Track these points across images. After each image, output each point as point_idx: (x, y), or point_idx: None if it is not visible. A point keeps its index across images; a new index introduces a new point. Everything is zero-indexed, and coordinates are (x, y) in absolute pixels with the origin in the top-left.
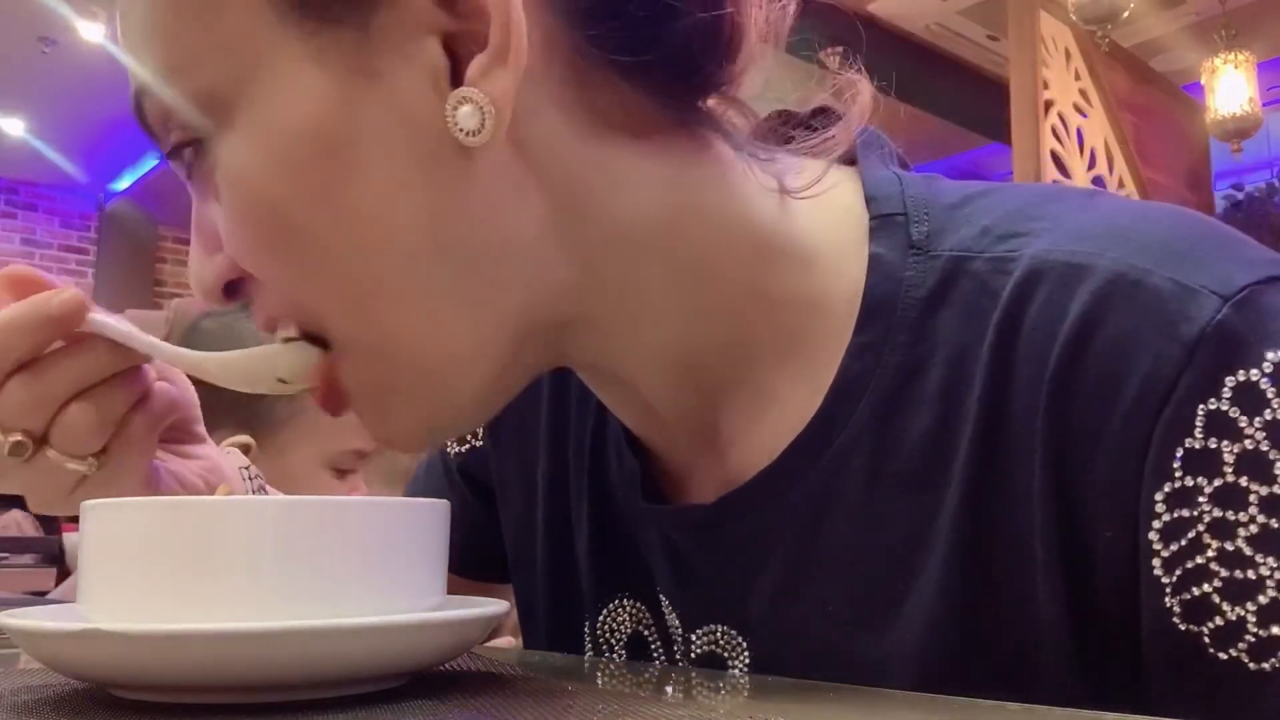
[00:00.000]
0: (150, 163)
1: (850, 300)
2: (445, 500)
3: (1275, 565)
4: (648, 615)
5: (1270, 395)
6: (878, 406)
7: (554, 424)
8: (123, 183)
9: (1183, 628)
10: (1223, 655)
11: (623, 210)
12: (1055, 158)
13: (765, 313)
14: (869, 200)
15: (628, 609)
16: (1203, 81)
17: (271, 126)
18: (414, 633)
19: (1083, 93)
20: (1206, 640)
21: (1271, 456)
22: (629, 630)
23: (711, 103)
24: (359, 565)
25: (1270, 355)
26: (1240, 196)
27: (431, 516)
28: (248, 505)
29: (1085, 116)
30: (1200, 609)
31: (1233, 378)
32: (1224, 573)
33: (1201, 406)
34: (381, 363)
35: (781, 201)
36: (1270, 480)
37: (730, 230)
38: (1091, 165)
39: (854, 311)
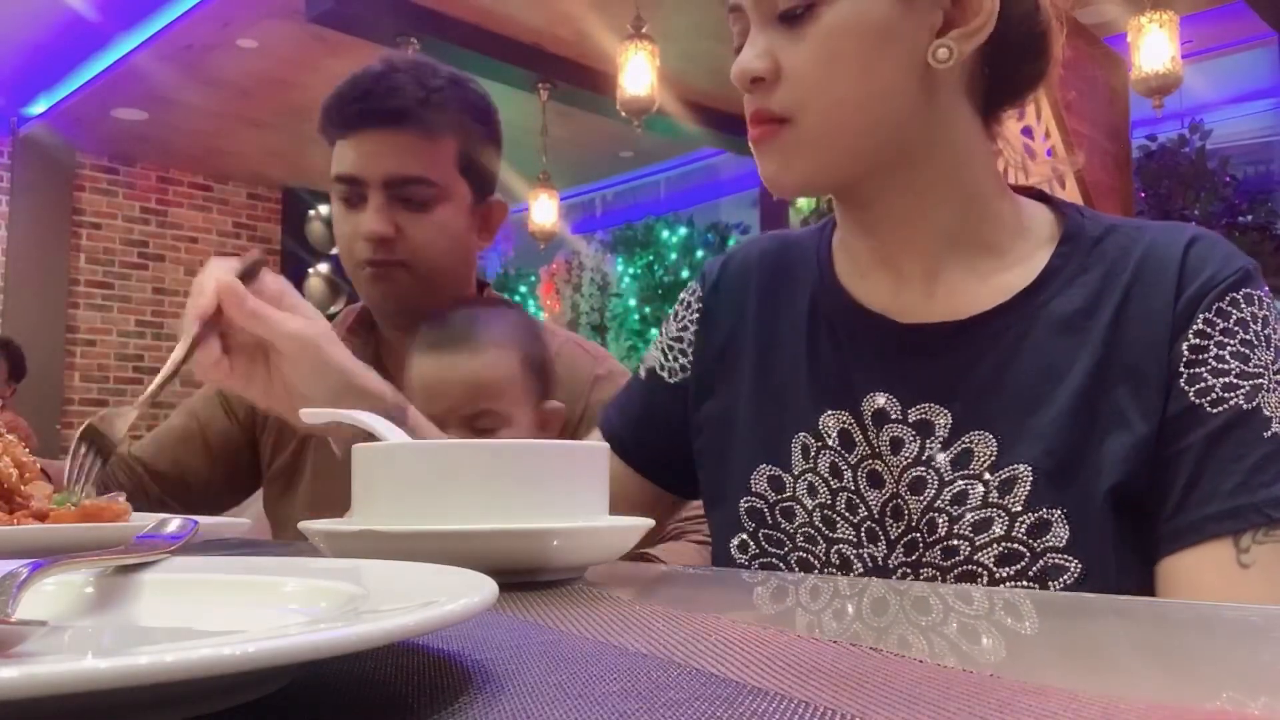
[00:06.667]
0: (68, 87)
1: (1046, 232)
2: (605, 444)
3: (1235, 366)
4: (850, 419)
5: (1244, 304)
6: (1062, 286)
7: (764, 303)
8: (37, 107)
9: (1186, 388)
10: (1198, 401)
11: (951, 132)
12: None
13: (994, 227)
14: (1042, 197)
15: (836, 415)
16: (1129, 39)
17: (858, 9)
18: (584, 535)
19: None
20: (1193, 398)
21: (1252, 329)
22: (838, 429)
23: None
24: (545, 489)
25: (1254, 292)
26: (1154, 147)
27: (596, 457)
28: (470, 447)
29: None
30: (1195, 380)
31: (1245, 289)
32: (1210, 364)
33: (1230, 294)
34: (824, 125)
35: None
36: (1242, 335)
37: (989, 178)
38: (1020, 116)
39: (1054, 238)
